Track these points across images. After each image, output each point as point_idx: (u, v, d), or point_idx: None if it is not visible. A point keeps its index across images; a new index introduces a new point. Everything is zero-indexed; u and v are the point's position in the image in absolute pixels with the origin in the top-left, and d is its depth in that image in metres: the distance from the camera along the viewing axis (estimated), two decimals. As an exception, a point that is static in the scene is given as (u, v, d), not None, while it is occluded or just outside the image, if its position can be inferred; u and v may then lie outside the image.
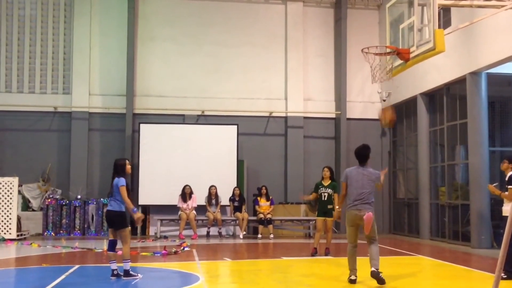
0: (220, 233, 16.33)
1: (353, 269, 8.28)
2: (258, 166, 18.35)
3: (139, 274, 8.53)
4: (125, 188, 8.49)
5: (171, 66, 18.32)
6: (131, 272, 8.46)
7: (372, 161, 20.14)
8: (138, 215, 8.77)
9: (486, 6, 10.58)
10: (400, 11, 11.24)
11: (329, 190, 11.78)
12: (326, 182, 11.91)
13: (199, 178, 16.73)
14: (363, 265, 8.46)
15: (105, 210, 16.27)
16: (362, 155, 8.82)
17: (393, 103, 18.20)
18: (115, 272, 8.51)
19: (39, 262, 10.72)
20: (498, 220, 12.73)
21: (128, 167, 8.79)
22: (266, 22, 18.86)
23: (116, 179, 8.59)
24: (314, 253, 11.76)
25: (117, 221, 8.61)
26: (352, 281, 8.18)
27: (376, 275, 8.08)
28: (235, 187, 16.73)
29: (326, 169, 12.10)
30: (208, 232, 16.18)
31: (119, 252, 11.33)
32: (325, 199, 11.79)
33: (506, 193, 8.86)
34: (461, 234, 14.55)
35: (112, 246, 8.65)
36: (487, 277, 9.29)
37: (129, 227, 8.73)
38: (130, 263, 8.55)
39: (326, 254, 11.78)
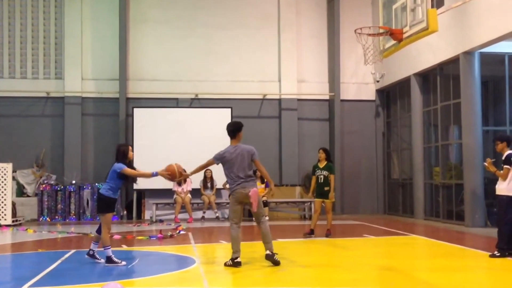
0: (217, 216, 16.36)
1: (238, 250, 8.27)
2: (252, 148, 18.30)
3: (122, 261, 8.38)
4: (126, 168, 8.44)
5: (164, 49, 18.21)
6: (113, 259, 8.34)
7: (366, 142, 20.27)
8: (161, 172, 8.60)
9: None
10: (393, -9, 11.19)
11: (325, 172, 11.79)
12: (322, 164, 11.91)
13: (194, 161, 16.45)
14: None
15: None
16: (230, 130, 8.77)
17: (387, 84, 18.22)
18: (90, 252, 8.60)
19: (35, 248, 10.73)
20: (491, 199, 12.84)
21: (131, 153, 8.75)
22: (259, 3, 18.73)
23: (115, 164, 8.54)
24: (308, 233, 11.79)
25: (99, 205, 8.64)
26: (239, 263, 8.18)
27: (271, 258, 8.20)
28: None
29: (321, 150, 12.06)
30: (203, 216, 16.20)
31: (115, 236, 11.39)
32: (322, 181, 11.79)
33: (501, 171, 8.90)
34: (455, 213, 14.64)
35: (100, 229, 8.68)
36: (481, 255, 9.37)
37: (109, 214, 8.48)
38: (110, 249, 8.44)
39: (327, 236, 11.81)
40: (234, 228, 8.41)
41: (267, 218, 15.79)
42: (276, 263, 8.19)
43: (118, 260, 8.39)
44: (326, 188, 11.74)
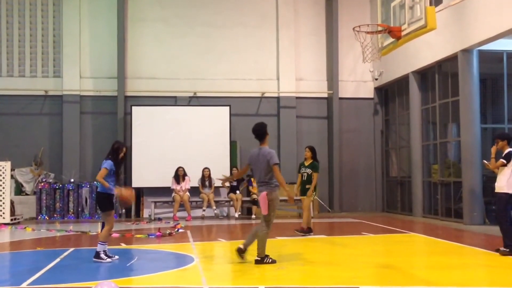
0: (216, 214, 16.37)
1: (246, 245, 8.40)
2: (251, 147, 17.99)
3: (107, 259, 8.42)
4: (105, 170, 8.46)
5: (162, 47, 18.20)
6: (101, 255, 8.41)
7: (365, 140, 20.25)
8: (117, 191, 8.58)
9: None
10: (391, -12, 11.21)
11: (308, 170, 11.90)
12: (307, 162, 12.05)
13: (192, 159, 16.72)
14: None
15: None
16: (257, 135, 8.64)
17: (385, 82, 18.22)
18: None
19: (33, 246, 10.71)
20: (490, 196, 12.85)
21: (122, 154, 8.76)
22: (257, 2, 18.71)
23: (104, 161, 8.64)
24: (306, 231, 11.82)
25: (101, 203, 8.71)
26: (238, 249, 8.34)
27: (239, 252, 8.28)
28: (233, 167, 16.75)
29: (307, 149, 12.25)
30: (203, 215, 16.16)
31: (113, 235, 11.39)
32: (305, 178, 11.97)
33: (497, 163, 8.93)
34: (454, 211, 14.66)
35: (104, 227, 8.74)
36: (479, 252, 9.39)
37: (111, 211, 8.61)
38: (104, 246, 8.49)
39: (297, 230, 11.90)
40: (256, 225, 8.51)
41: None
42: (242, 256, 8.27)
43: (105, 258, 8.42)
44: (307, 186, 11.87)
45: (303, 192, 11.97)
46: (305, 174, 11.95)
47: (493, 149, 9.18)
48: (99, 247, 8.44)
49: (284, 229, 13.66)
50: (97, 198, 8.82)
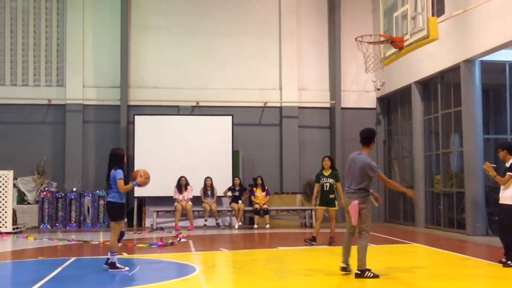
0: (218, 224, 16.35)
1: (343, 256, 8.18)
2: (253, 156, 18.34)
3: (125, 267, 8.48)
4: (122, 181, 8.49)
5: (165, 56, 18.25)
6: (117, 265, 8.42)
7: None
8: (139, 180, 8.70)
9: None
10: (394, -1, 11.25)
11: (331, 180, 11.76)
12: (327, 172, 11.89)
13: (195, 169, 16.71)
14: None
15: (100, 202, 16.38)
16: (364, 138, 8.41)
17: (388, 92, 18.23)
18: (108, 261, 8.60)
19: (35, 255, 10.71)
20: (493, 207, 12.81)
21: (125, 158, 8.83)
22: (259, 11, 18.78)
23: (113, 171, 8.58)
24: (309, 239, 11.71)
25: (112, 213, 8.70)
26: (342, 269, 8.14)
27: (359, 276, 7.82)
28: (236, 177, 16.75)
29: (326, 158, 12.05)
30: (205, 224, 16.15)
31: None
32: (327, 189, 11.74)
33: (503, 178, 8.80)
34: (456, 222, 14.61)
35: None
36: (482, 264, 9.35)
37: (122, 221, 8.67)
38: (117, 255, 8.52)
39: (330, 243, 11.76)
40: (345, 235, 8.33)
41: (268, 226, 15.92)
42: (373, 277, 7.89)
43: (122, 266, 8.46)
44: (331, 196, 11.73)
45: (326, 203, 11.73)
46: (327, 184, 11.74)
47: (488, 166, 9.03)
48: (113, 258, 8.43)
49: (286, 238, 13.65)
50: (108, 208, 8.82)
